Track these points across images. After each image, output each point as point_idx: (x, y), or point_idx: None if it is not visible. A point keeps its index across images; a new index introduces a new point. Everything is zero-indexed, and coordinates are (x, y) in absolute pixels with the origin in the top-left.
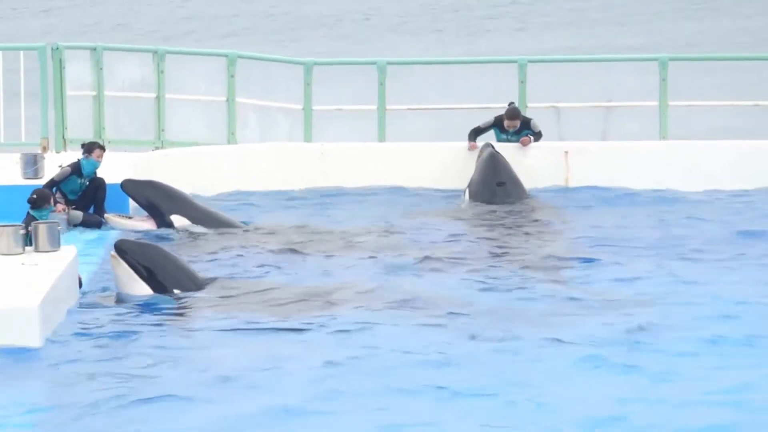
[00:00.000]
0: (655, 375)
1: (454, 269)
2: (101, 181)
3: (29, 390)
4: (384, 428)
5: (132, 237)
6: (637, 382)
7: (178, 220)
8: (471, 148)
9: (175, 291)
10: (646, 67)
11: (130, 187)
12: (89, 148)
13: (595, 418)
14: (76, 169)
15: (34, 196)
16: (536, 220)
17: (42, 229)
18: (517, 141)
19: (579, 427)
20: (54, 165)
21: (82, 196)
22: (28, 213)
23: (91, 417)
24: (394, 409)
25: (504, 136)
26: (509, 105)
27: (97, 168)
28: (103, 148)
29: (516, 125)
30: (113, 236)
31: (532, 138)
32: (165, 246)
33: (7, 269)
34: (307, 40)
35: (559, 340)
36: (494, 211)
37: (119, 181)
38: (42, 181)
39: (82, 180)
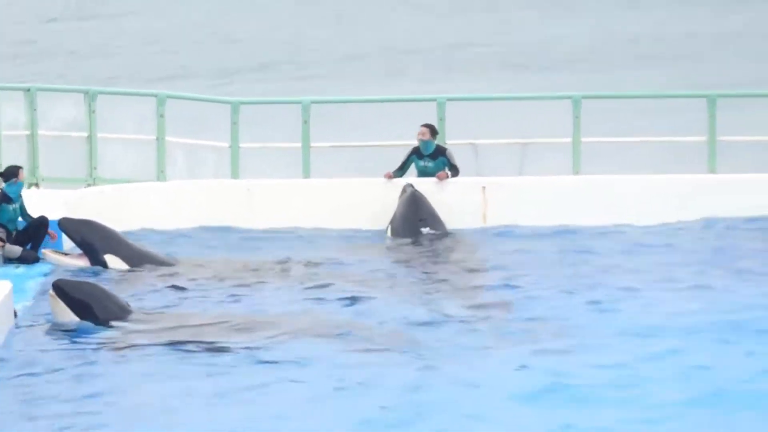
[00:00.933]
0: (573, 399)
1: (374, 300)
2: (45, 219)
3: None
4: None
5: (67, 275)
6: (556, 405)
7: (111, 259)
8: (386, 176)
9: (110, 323)
10: (561, 105)
11: (66, 225)
12: (10, 172)
13: None
14: (3, 198)
15: None
16: (455, 255)
17: None
18: (434, 168)
19: None
20: None
21: (24, 232)
22: None
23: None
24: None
25: (422, 163)
26: (426, 125)
27: (21, 188)
28: (21, 168)
29: (425, 132)
30: (47, 271)
31: (449, 173)
32: (99, 282)
33: None
34: (241, 82)
35: (473, 368)
36: (416, 246)
37: (54, 218)
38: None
39: (14, 206)
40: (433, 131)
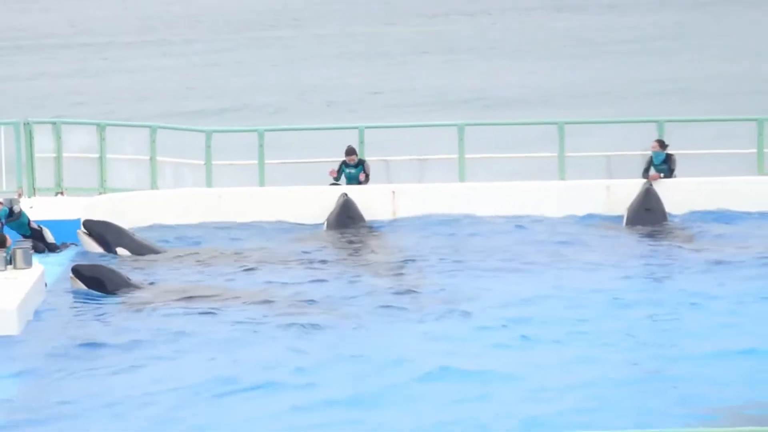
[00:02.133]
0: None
1: (317, 273)
2: (38, 230)
3: (12, 363)
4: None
5: (86, 261)
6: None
7: (119, 249)
8: (330, 173)
9: (116, 293)
10: (450, 131)
11: (88, 224)
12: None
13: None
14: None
15: None
16: (373, 241)
17: (19, 253)
18: (356, 174)
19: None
20: (27, 206)
21: (32, 236)
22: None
23: (59, 383)
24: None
25: (347, 170)
26: (348, 147)
27: (6, 212)
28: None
29: (354, 159)
30: (69, 256)
31: (368, 177)
32: (109, 264)
33: None
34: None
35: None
36: (344, 235)
37: (77, 217)
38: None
39: (7, 221)
40: (355, 153)
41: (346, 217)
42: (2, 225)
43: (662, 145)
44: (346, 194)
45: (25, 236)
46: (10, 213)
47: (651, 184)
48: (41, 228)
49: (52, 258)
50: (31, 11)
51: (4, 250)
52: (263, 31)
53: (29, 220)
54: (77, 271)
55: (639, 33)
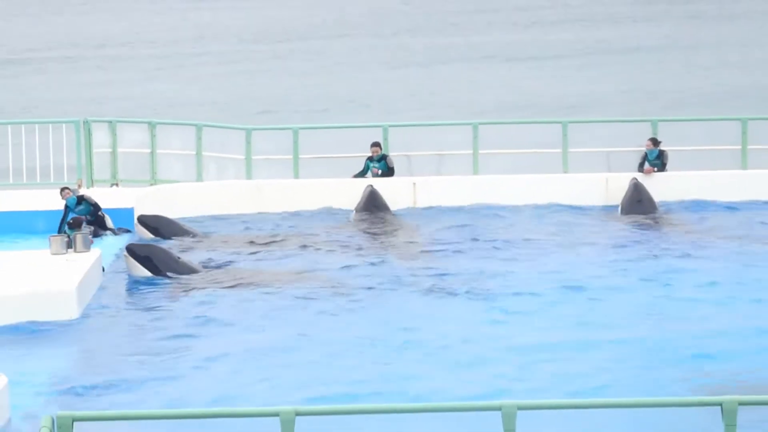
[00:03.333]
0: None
1: (348, 257)
2: (102, 217)
3: (74, 341)
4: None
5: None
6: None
7: (171, 236)
8: (354, 176)
9: (169, 274)
10: (466, 129)
11: (142, 219)
12: (61, 193)
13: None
14: (66, 209)
15: (71, 221)
16: (397, 227)
17: (79, 237)
18: (379, 167)
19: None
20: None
21: (93, 222)
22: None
23: (116, 363)
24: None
25: (371, 164)
26: (373, 142)
27: (74, 201)
28: (68, 189)
29: (378, 151)
30: (123, 241)
31: (380, 172)
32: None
33: (56, 264)
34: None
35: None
36: (371, 222)
37: (130, 206)
38: (78, 207)
39: (77, 208)
40: (379, 146)
41: (372, 205)
42: (69, 211)
43: (655, 142)
44: (371, 186)
45: (88, 222)
46: (79, 201)
47: (636, 179)
48: (104, 215)
49: (110, 242)
50: (97, 22)
51: (80, 231)
52: (297, 42)
53: (95, 208)
54: (131, 250)
55: (625, 44)
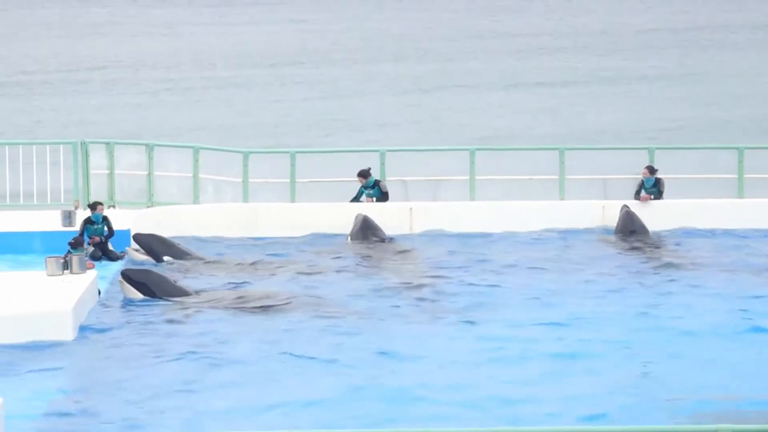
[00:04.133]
0: (496, 349)
1: (342, 281)
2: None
3: (68, 361)
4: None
5: (134, 266)
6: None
7: (166, 258)
8: (352, 201)
9: (165, 298)
10: (462, 154)
11: (138, 237)
12: (93, 206)
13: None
14: (88, 221)
15: (73, 241)
16: (392, 252)
17: (75, 259)
18: (373, 194)
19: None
20: (81, 218)
21: (99, 244)
22: (69, 251)
23: (109, 383)
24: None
25: (364, 191)
26: (365, 168)
27: (101, 217)
28: (101, 204)
29: (363, 181)
30: (119, 264)
31: (374, 199)
32: (157, 270)
33: (52, 285)
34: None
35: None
36: (366, 247)
37: (127, 227)
38: (74, 228)
39: (96, 226)
40: (365, 175)
41: (366, 232)
42: (84, 224)
43: (651, 170)
44: (361, 214)
45: (98, 243)
46: (103, 219)
47: (627, 206)
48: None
49: (109, 266)
50: (101, 46)
51: (78, 251)
52: (295, 67)
53: (110, 232)
54: (126, 276)
55: (626, 74)
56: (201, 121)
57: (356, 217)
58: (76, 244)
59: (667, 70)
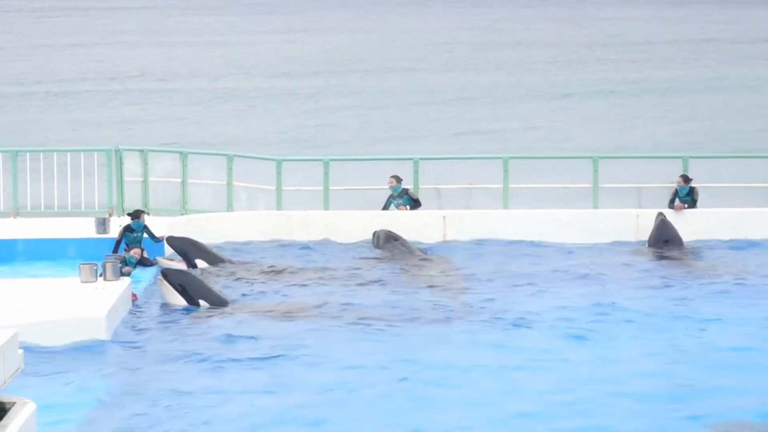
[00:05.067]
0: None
1: (378, 290)
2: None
3: (102, 367)
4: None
5: (174, 266)
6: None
7: (198, 261)
8: (382, 209)
9: (201, 302)
10: (496, 162)
11: (172, 240)
12: (136, 214)
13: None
14: (128, 228)
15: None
16: (427, 261)
17: (108, 266)
18: (403, 202)
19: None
20: (116, 225)
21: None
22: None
23: (142, 393)
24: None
25: (392, 201)
26: (394, 176)
27: (142, 226)
28: (144, 212)
29: (394, 183)
30: (155, 270)
31: (408, 207)
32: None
33: (86, 292)
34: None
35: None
36: (397, 255)
37: (161, 234)
38: (108, 235)
39: (135, 234)
40: (398, 179)
41: (391, 239)
42: (123, 231)
43: (686, 179)
44: (388, 231)
45: (129, 249)
46: (141, 228)
47: (663, 215)
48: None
49: (143, 271)
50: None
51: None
52: (333, 77)
53: (152, 238)
54: (166, 275)
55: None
56: (242, 132)
57: (381, 231)
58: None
59: (704, 80)
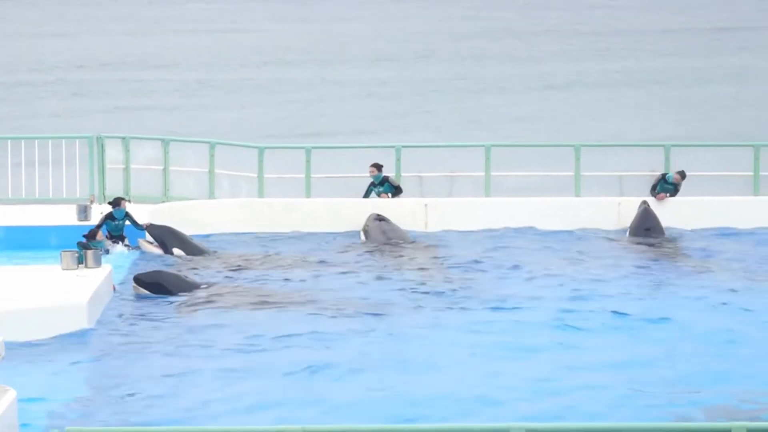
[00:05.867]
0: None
1: (356, 276)
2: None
3: (83, 354)
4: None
5: (147, 266)
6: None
7: (176, 250)
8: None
9: (178, 294)
10: (478, 150)
11: (152, 228)
12: (116, 202)
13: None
14: (109, 216)
15: (87, 233)
16: (410, 249)
17: (89, 254)
18: (384, 190)
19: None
20: (97, 212)
21: (117, 236)
22: (81, 242)
23: (124, 380)
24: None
25: (374, 189)
26: (374, 164)
27: (123, 213)
28: (124, 200)
29: (375, 172)
30: (134, 257)
31: (389, 195)
32: (168, 266)
33: (67, 279)
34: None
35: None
36: (383, 244)
37: (142, 222)
38: (90, 222)
39: (117, 222)
40: (378, 167)
41: (382, 226)
42: (104, 219)
43: (683, 176)
44: (376, 214)
45: (116, 237)
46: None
47: (647, 203)
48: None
49: (119, 261)
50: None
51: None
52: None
53: (133, 225)
54: (139, 280)
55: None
56: (226, 121)
57: (368, 216)
58: (90, 236)
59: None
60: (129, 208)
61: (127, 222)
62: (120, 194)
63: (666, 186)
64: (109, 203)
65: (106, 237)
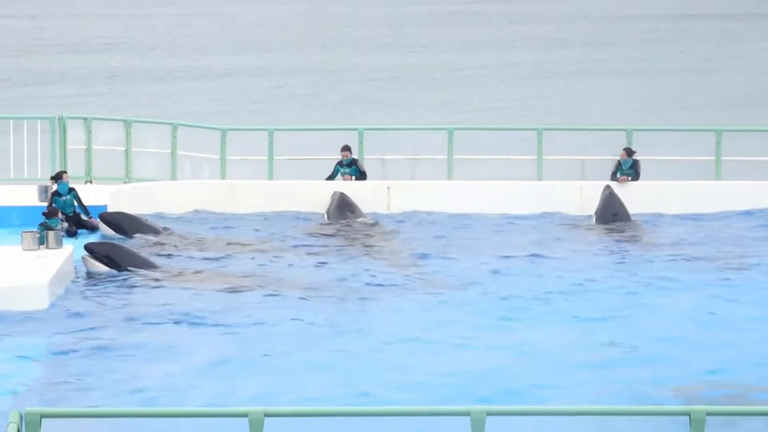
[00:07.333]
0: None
1: (318, 258)
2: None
3: (43, 334)
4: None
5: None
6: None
7: (136, 235)
8: (327, 179)
9: (129, 269)
10: (441, 134)
11: (105, 216)
12: (58, 176)
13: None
14: (55, 193)
15: (47, 211)
16: (371, 231)
17: (51, 234)
18: (350, 172)
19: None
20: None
21: (71, 217)
22: (43, 223)
23: (85, 360)
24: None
25: (340, 169)
26: (344, 146)
27: (67, 187)
28: (65, 172)
29: (347, 155)
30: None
31: (353, 177)
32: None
33: (28, 260)
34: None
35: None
36: (343, 224)
37: (104, 203)
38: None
39: (63, 198)
40: (351, 150)
41: (344, 210)
42: (51, 197)
43: (629, 153)
44: (338, 191)
45: (66, 217)
46: (69, 190)
47: (611, 188)
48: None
49: (89, 238)
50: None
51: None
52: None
53: (79, 202)
54: (90, 250)
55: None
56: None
57: (333, 194)
58: (50, 214)
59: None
60: (90, 188)
61: (76, 203)
62: (81, 175)
63: (626, 170)
64: (51, 178)
65: (61, 221)
